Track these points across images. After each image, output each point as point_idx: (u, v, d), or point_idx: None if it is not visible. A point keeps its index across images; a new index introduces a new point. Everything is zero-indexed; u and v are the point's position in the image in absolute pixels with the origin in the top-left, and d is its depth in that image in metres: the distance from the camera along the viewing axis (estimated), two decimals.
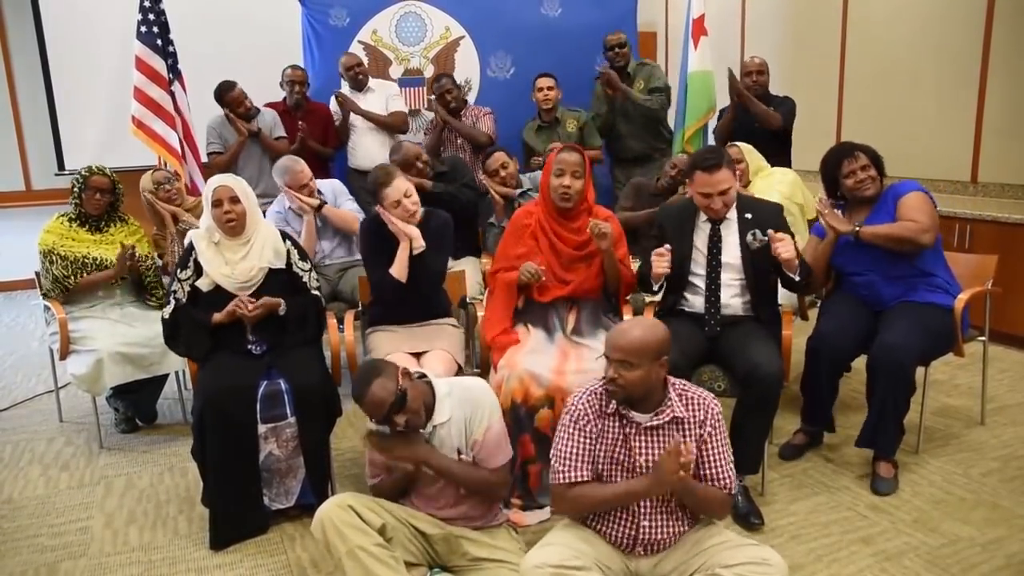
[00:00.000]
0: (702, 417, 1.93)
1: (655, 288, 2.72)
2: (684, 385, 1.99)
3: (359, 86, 4.65)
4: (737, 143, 3.67)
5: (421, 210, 2.80)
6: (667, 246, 2.64)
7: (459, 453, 2.08)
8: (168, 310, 2.59)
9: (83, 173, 3.28)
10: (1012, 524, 2.45)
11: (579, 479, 1.91)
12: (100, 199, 3.27)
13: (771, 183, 3.55)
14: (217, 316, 2.56)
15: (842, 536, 2.42)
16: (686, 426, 1.93)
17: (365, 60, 5.04)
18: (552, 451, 1.99)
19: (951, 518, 2.50)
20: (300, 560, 2.38)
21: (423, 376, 2.14)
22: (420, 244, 2.72)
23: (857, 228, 2.73)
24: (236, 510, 2.47)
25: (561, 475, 1.93)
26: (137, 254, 3.21)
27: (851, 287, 2.91)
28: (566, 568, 1.81)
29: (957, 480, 2.75)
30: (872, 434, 2.70)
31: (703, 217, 2.70)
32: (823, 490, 2.71)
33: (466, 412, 2.09)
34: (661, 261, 2.61)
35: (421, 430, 2.05)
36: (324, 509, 1.98)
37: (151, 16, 4.55)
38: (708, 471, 1.93)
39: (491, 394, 2.16)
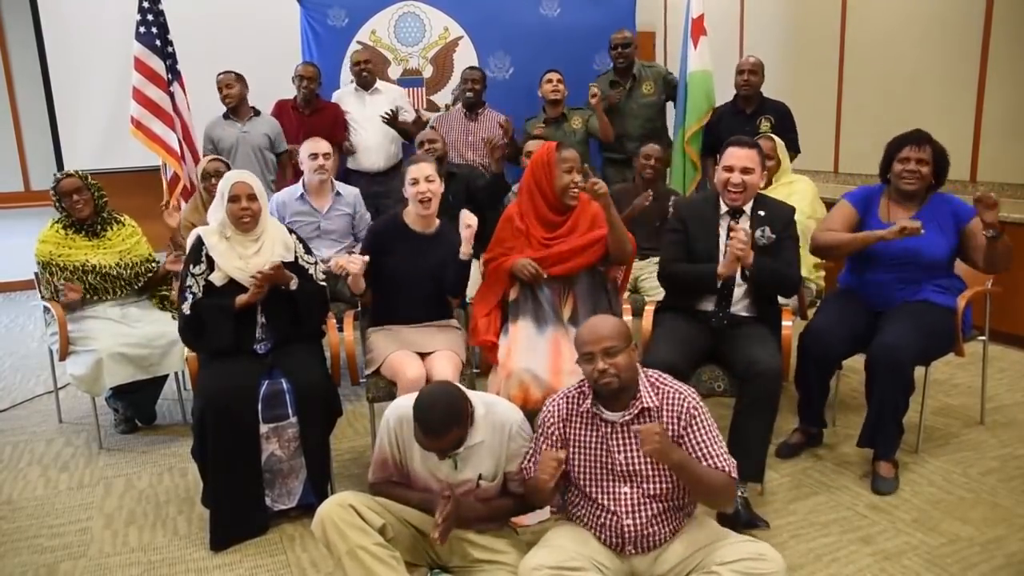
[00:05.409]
0: (678, 411, 1.92)
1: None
2: (661, 378, 1.98)
3: (365, 85, 4.58)
4: (773, 136, 3.59)
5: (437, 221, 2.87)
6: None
7: (480, 476, 2.06)
8: (187, 305, 2.57)
9: (53, 185, 3.24)
10: (1011, 523, 2.45)
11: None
12: (79, 200, 3.21)
13: (789, 193, 3.39)
14: (241, 298, 2.55)
15: (841, 536, 2.42)
16: (657, 416, 1.93)
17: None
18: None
19: (950, 517, 2.50)
20: (300, 560, 2.38)
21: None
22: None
23: (993, 233, 2.55)
24: (237, 510, 2.47)
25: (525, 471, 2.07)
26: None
27: (856, 285, 2.90)
28: (564, 569, 1.82)
29: (956, 479, 2.75)
30: (872, 434, 2.70)
31: (723, 210, 2.69)
32: (822, 490, 2.71)
33: (499, 438, 2.06)
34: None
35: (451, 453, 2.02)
36: (325, 508, 1.98)
37: (150, 17, 4.54)
38: (701, 462, 1.89)
39: (526, 425, 2.13)
